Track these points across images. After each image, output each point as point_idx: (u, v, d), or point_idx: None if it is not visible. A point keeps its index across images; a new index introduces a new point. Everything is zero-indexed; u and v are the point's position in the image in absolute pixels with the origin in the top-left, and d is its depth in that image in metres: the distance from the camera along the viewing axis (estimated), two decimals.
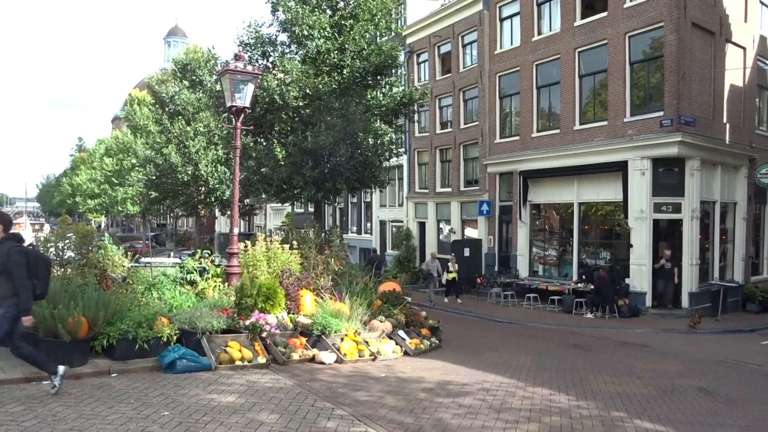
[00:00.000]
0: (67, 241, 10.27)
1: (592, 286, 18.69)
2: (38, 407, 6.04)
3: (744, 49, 20.57)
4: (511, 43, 23.81)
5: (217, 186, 33.00)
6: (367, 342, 10.09)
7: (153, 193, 35.92)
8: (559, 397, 7.95)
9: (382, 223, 33.40)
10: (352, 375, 8.59)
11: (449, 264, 21.85)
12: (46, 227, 46.89)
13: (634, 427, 6.69)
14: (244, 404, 6.54)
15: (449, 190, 27.94)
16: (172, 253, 25.95)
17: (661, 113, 18.02)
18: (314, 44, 19.68)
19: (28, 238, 36.39)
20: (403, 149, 30.59)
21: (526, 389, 8.34)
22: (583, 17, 20.48)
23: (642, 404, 7.77)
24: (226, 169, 32.07)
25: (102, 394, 6.68)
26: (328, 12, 20.55)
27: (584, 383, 9.00)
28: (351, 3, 20.71)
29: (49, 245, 10.02)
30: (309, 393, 7.23)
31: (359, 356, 9.65)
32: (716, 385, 9.36)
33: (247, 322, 9.06)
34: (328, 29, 19.82)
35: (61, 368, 6.54)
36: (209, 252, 12.33)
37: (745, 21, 20.69)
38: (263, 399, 6.81)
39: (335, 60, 19.91)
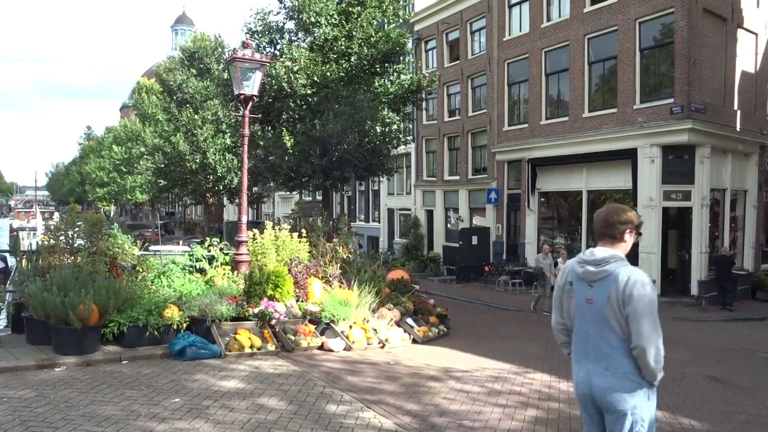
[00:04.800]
0: (76, 229, 10.32)
1: None
2: (50, 393, 6.11)
3: (756, 35, 20.33)
4: (520, 30, 23.64)
5: (225, 174, 33.11)
6: (375, 330, 10.12)
7: (162, 181, 36.09)
8: (567, 385, 7.95)
9: (390, 211, 33.41)
10: (360, 362, 8.62)
11: (558, 260, 17.54)
12: (56, 215, 47.21)
13: None
14: (253, 391, 6.59)
15: (457, 178, 27.87)
16: (181, 241, 26.07)
17: (671, 100, 17.87)
18: (321, 31, 19.60)
19: (39, 226, 36.38)
20: (411, 137, 30.54)
21: (533, 377, 8.35)
22: (592, 3, 20.28)
23: None
24: (234, 158, 32.14)
25: (113, 380, 6.74)
26: None
27: None
28: None
29: (59, 233, 10.07)
30: (317, 380, 7.27)
31: (368, 344, 9.69)
32: (726, 373, 9.34)
33: (256, 310, 9.11)
34: (335, 16, 19.73)
35: None
36: (218, 240, 12.37)
37: (758, 6, 20.42)
38: (272, 386, 6.86)
39: (343, 47, 19.83)
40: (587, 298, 3.38)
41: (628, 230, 3.39)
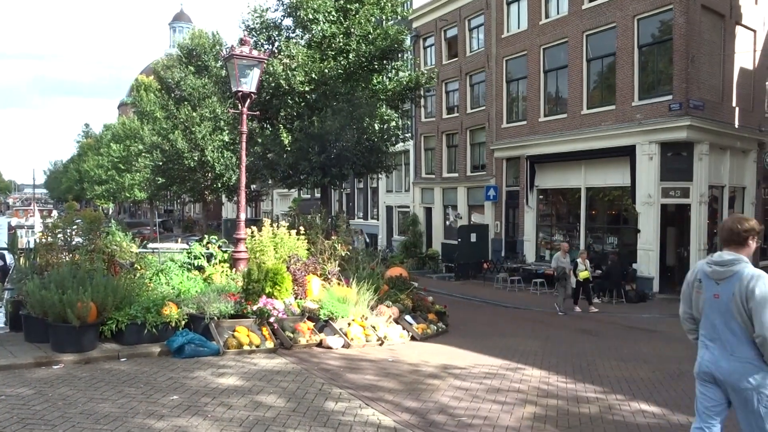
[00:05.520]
0: (74, 227, 10.30)
1: (599, 271, 18.66)
2: (48, 391, 6.10)
3: (754, 31, 20.32)
4: (518, 27, 23.62)
5: (223, 172, 33.08)
6: (374, 327, 10.12)
7: (160, 179, 36.05)
8: (564, 382, 7.96)
9: (389, 209, 33.40)
10: (358, 359, 8.62)
11: (578, 260, 16.79)
12: (54, 213, 47.18)
13: (641, 410, 6.70)
14: (251, 388, 6.59)
15: (456, 175, 27.86)
16: (179, 239, 26.07)
17: (669, 97, 17.86)
18: (319, 28, 19.58)
19: (37, 224, 36.33)
20: (410, 134, 30.52)
21: (531, 374, 8.35)
22: (591, 0, 20.25)
23: (648, 389, 7.77)
24: (232, 155, 32.11)
25: (111, 378, 6.73)
26: None
27: (590, 368, 9.01)
28: None
29: (57, 231, 10.05)
30: (316, 377, 7.27)
31: (366, 341, 9.69)
32: None
33: (255, 307, 9.09)
34: (333, 13, 19.70)
35: None
36: (216, 237, 12.36)
37: (756, 3, 20.42)
38: (270, 383, 6.86)
39: (341, 44, 19.80)
40: (714, 294, 3.98)
41: (751, 237, 3.99)
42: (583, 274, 16.38)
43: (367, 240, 29.07)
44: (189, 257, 10.95)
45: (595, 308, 16.38)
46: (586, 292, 16.55)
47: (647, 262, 18.46)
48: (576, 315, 15.82)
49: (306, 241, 12.07)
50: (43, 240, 10.11)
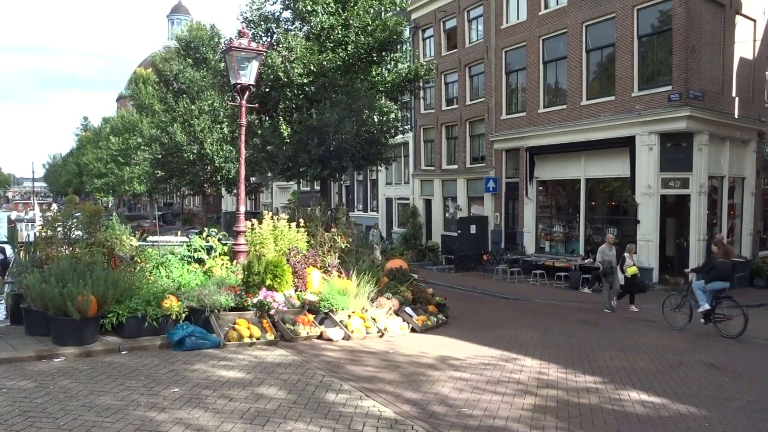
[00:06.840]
0: (74, 220, 10.30)
1: (599, 263, 18.61)
2: (50, 384, 6.12)
3: (754, 21, 20.24)
4: (518, 18, 23.51)
5: (222, 164, 33.01)
6: (374, 319, 10.14)
7: (159, 172, 35.98)
8: (564, 372, 7.99)
9: (389, 201, 33.38)
10: (359, 351, 8.65)
11: (625, 255, 15.51)
12: (54, 207, 47.16)
13: (641, 400, 6.73)
14: (252, 380, 6.61)
15: (455, 167, 27.83)
16: (179, 232, 26.04)
17: (669, 87, 17.82)
18: (318, 20, 19.48)
19: (37, 218, 36.23)
20: (409, 126, 30.44)
21: (531, 364, 8.38)
22: None
23: (648, 379, 7.80)
24: (231, 148, 32.03)
25: (112, 371, 6.75)
26: None
27: (590, 358, 9.04)
28: None
29: (56, 224, 10.05)
30: (316, 369, 7.29)
31: (366, 333, 9.71)
32: (723, 360, 9.38)
33: (255, 300, 9.11)
34: (331, 5, 19.60)
35: None
36: (216, 230, 12.35)
37: None
38: (271, 375, 6.88)
39: (339, 36, 19.71)
40: None
41: None
42: (631, 270, 15.36)
43: (383, 236, 28.85)
44: (189, 250, 10.95)
45: (636, 308, 15.16)
46: (630, 289, 15.47)
47: (647, 253, 18.47)
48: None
49: (306, 233, 12.07)
50: (43, 233, 10.11)
